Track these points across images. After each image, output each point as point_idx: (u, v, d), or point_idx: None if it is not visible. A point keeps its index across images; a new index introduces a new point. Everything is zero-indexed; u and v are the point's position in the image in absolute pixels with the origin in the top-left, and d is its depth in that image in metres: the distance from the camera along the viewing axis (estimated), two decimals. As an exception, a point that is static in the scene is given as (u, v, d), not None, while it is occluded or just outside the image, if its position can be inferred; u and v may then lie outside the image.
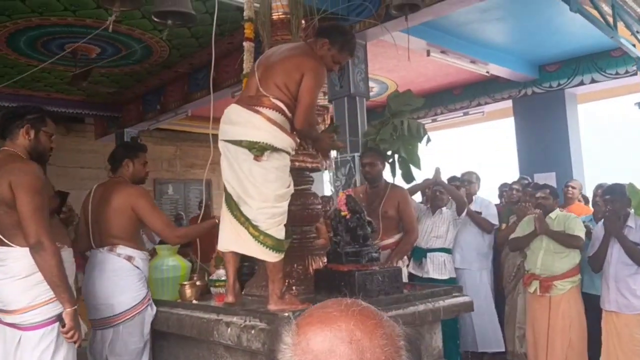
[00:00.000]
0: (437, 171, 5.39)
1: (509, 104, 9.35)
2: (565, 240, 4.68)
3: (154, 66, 8.35)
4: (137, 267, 3.42)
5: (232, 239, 2.95)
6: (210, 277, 3.56)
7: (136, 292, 3.38)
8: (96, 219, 3.49)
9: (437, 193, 5.49)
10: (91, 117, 11.29)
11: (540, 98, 8.83)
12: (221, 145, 2.95)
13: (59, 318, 2.78)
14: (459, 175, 6.10)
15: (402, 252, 4.70)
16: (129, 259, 3.40)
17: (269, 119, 2.88)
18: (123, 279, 3.37)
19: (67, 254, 2.95)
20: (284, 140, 2.91)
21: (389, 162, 6.38)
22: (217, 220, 3.46)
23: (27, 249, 2.70)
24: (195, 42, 7.11)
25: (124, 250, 3.41)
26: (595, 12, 5.08)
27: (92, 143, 11.88)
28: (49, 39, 6.90)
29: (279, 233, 2.89)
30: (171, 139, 12.62)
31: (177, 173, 12.97)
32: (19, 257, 2.74)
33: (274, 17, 3.60)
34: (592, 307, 4.70)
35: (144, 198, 3.50)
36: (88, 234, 3.52)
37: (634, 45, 6.06)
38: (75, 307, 2.79)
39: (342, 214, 3.31)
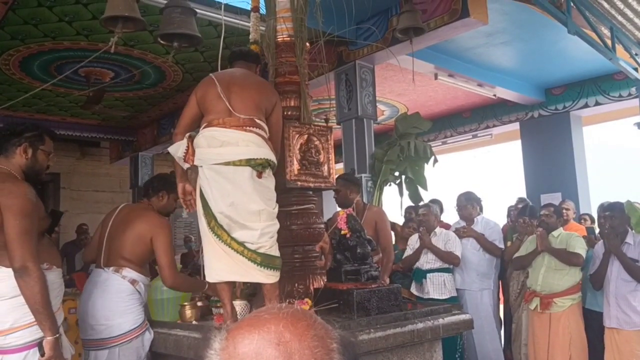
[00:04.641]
0: (423, 232, 5.45)
1: (516, 126, 9.44)
2: (566, 257, 4.75)
3: (167, 90, 8.49)
4: (139, 292, 3.41)
5: (227, 269, 2.87)
6: (212, 297, 3.55)
7: (136, 315, 3.36)
8: (112, 238, 3.48)
9: (419, 218, 5.61)
10: (106, 140, 11.42)
11: (546, 120, 8.94)
12: (213, 169, 2.85)
13: (39, 343, 2.66)
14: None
15: (386, 271, 4.81)
16: (133, 282, 3.39)
17: (263, 137, 2.92)
18: (126, 301, 3.35)
19: (56, 275, 2.88)
20: (274, 158, 2.95)
21: (396, 183, 6.45)
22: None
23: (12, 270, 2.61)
24: (208, 66, 7.23)
25: (129, 273, 3.39)
26: (594, 35, 5.14)
27: (107, 167, 12.04)
28: (62, 64, 7.04)
29: (277, 251, 2.91)
30: (186, 162, 12.72)
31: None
32: (4, 277, 2.64)
33: (278, 39, 3.63)
34: (595, 324, 4.75)
35: (165, 233, 3.48)
36: (98, 248, 3.51)
37: (635, 69, 6.10)
38: (57, 335, 2.67)
39: (342, 232, 3.34)
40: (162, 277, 3.46)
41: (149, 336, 3.41)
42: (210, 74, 3.09)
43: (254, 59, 3.36)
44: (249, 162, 2.82)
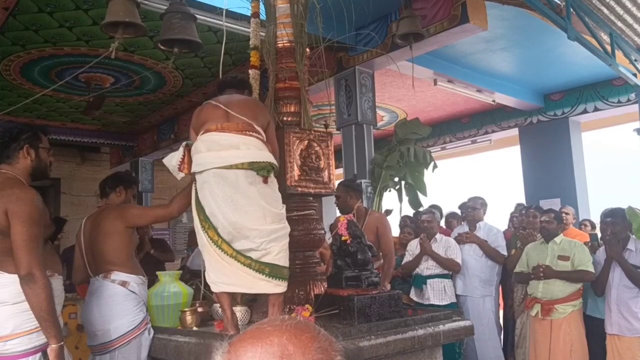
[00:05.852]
0: (424, 239, 5.45)
1: (515, 132, 9.48)
2: (578, 277, 4.73)
3: (167, 96, 8.50)
4: (133, 292, 3.39)
5: (233, 282, 2.83)
6: (214, 304, 3.55)
7: (133, 316, 3.35)
8: (90, 249, 3.49)
9: (424, 224, 5.59)
10: (107, 146, 11.44)
11: (545, 126, 8.98)
12: (214, 173, 2.81)
13: (42, 348, 2.64)
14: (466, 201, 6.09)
15: (387, 277, 4.82)
16: (124, 284, 3.38)
17: (262, 141, 2.91)
18: (119, 304, 3.34)
19: (57, 282, 2.86)
20: (276, 162, 2.93)
21: (395, 189, 6.45)
22: None
23: (16, 276, 2.58)
24: (208, 71, 7.25)
25: (118, 276, 3.39)
26: (593, 41, 5.16)
27: (107, 172, 11.96)
28: (62, 69, 7.05)
29: (286, 260, 2.87)
30: (185, 167, 12.74)
31: (190, 201, 13.03)
32: (6, 283, 2.62)
33: (279, 45, 3.63)
34: (597, 331, 4.74)
35: (130, 208, 3.53)
36: (84, 265, 3.52)
37: (635, 75, 6.12)
38: (61, 343, 2.64)
39: (343, 238, 3.33)
40: (168, 218, 3.56)
41: (147, 337, 3.39)
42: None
43: (243, 85, 3.33)
44: (251, 165, 2.79)
